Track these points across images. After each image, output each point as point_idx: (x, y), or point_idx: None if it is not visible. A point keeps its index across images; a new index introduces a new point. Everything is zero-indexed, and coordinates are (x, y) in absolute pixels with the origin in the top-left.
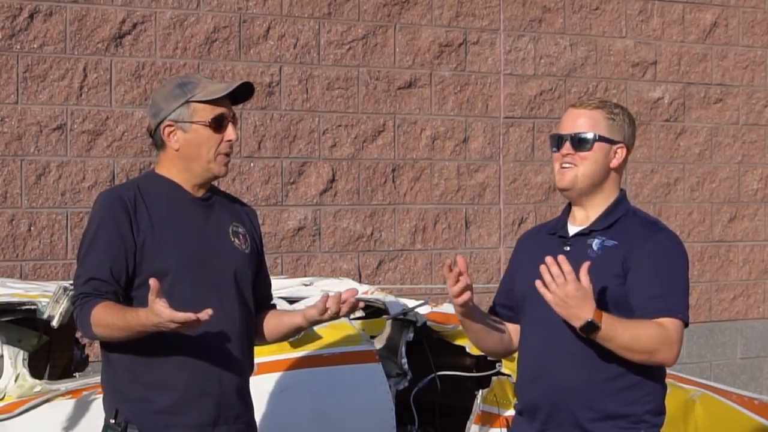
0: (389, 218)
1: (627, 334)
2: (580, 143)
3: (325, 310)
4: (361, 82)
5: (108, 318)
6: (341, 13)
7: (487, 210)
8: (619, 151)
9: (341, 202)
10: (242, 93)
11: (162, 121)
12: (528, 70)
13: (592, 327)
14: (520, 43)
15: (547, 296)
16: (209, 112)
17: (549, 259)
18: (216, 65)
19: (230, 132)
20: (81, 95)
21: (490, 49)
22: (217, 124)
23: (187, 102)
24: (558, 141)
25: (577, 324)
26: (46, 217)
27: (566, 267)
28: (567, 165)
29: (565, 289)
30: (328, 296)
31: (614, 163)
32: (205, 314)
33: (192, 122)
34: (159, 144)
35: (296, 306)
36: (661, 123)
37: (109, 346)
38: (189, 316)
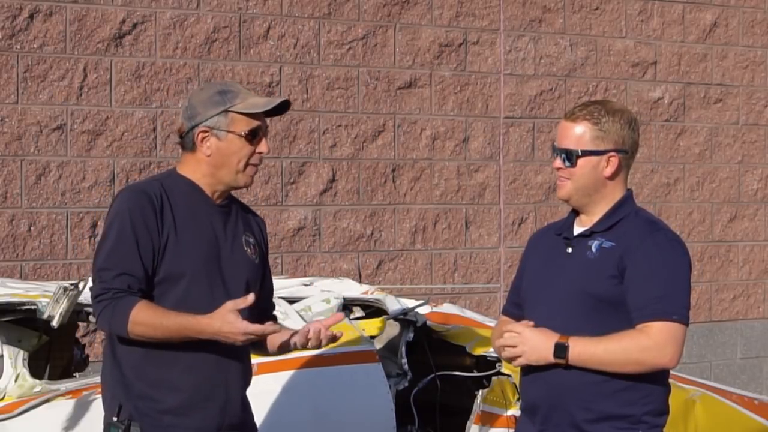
0: (389, 218)
1: (599, 349)
2: (566, 158)
3: (307, 342)
4: (361, 82)
5: (155, 318)
6: (341, 13)
7: (487, 210)
8: (611, 159)
9: (341, 202)
10: (279, 107)
11: (197, 125)
12: (528, 70)
13: (562, 348)
14: (520, 43)
15: (521, 360)
16: (246, 124)
17: (499, 341)
18: (216, 65)
19: (263, 145)
20: (81, 95)
21: (490, 49)
22: (253, 136)
23: (226, 111)
24: (552, 153)
25: (550, 351)
26: (46, 217)
27: (517, 328)
28: (562, 178)
29: (523, 337)
30: (310, 329)
31: (608, 172)
32: (271, 327)
33: (228, 131)
34: (189, 146)
35: (294, 307)
36: (661, 123)
37: (117, 340)
38: (265, 328)
